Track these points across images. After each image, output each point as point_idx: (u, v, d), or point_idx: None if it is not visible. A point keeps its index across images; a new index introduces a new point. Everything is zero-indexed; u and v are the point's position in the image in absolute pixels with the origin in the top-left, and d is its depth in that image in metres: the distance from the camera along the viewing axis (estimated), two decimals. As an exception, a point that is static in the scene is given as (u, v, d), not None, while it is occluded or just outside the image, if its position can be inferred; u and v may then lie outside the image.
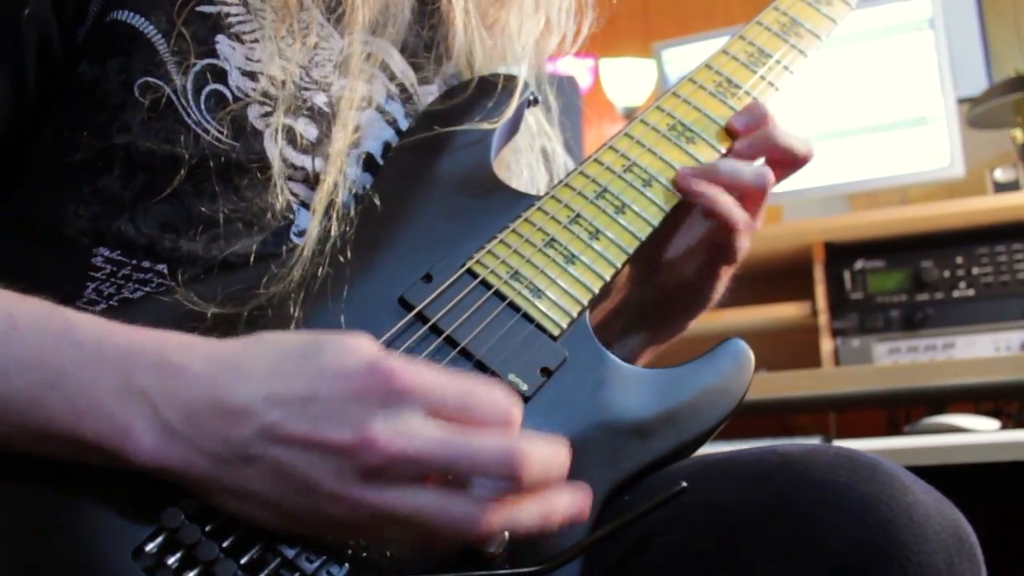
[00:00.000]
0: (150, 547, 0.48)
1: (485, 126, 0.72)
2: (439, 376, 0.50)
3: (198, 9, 0.63)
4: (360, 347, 0.49)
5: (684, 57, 2.20)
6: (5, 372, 0.49)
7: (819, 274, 1.92)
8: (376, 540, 0.51)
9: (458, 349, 0.59)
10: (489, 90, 0.75)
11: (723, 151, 0.72)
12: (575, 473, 0.53)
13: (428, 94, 0.77)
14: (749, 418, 2.09)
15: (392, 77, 0.74)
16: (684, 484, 0.54)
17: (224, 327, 0.56)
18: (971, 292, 1.81)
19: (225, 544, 0.49)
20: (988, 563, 0.55)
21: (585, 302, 0.63)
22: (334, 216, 0.63)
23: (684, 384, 0.62)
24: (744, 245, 0.71)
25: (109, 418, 0.48)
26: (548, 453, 0.49)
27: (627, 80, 2.64)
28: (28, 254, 0.62)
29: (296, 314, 0.58)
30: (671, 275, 0.75)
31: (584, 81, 2.71)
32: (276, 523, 0.49)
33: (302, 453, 0.47)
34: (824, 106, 2.04)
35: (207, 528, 0.49)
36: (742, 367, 0.64)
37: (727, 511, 0.55)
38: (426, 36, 0.77)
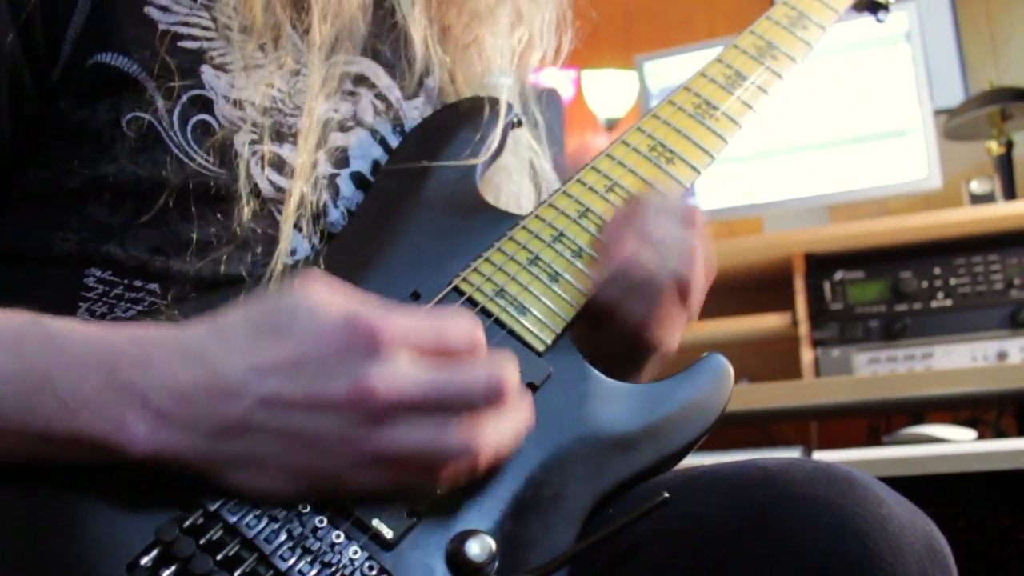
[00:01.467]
0: (144, 560, 0.49)
1: (472, 162, 0.72)
2: (412, 318, 0.52)
3: (180, 44, 0.64)
4: (328, 305, 0.51)
5: (665, 69, 2.22)
6: None
7: (799, 285, 1.94)
8: (381, 488, 0.52)
9: None
10: (474, 118, 0.75)
11: (702, 170, 0.73)
12: (561, 485, 0.56)
13: (414, 107, 0.77)
14: (731, 428, 2.10)
15: (378, 94, 0.74)
16: (666, 495, 0.55)
17: None
18: (949, 302, 1.83)
19: (219, 557, 0.50)
20: (965, 571, 0.57)
21: (569, 319, 0.64)
22: (306, 229, 0.65)
23: (665, 398, 0.63)
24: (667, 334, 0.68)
25: (101, 414, 0.49)
26: (513, 367, 0.53)
27: (609, 92, 2.66)
28: (19, 279, 0.62)
29: None
30: (610, 320, 0.73)
31: (566, 92, 2.73)
32: (285, 489, 0.50)
33: (304, 413, 0.49)
34: (803, 118, 2.06)
35: (201, 541, 0.50)
36: (722, 381, 0.65)
37: (708, 523, 0.56)
38: (388, 51, 0.78)
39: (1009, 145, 2.07)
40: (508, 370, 0.52)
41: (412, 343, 0.51)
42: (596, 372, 0.63)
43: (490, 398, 0.51)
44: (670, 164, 0.73)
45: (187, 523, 0.50)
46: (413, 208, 0.69)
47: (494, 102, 0.76)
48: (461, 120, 0.75)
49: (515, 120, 0.78)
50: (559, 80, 2.66)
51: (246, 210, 0.63)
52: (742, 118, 0.76)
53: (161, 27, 0.63)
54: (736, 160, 2.09)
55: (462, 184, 0.71)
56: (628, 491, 0.60)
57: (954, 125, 2.08)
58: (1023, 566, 1.56)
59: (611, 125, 2.66)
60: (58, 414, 0.49)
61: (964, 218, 1.83)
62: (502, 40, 0.81)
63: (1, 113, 0.61)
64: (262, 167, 0.64)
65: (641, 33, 2.81)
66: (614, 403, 0.62)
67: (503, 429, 0.53)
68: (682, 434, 0.62)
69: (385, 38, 0.77)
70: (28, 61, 0.61)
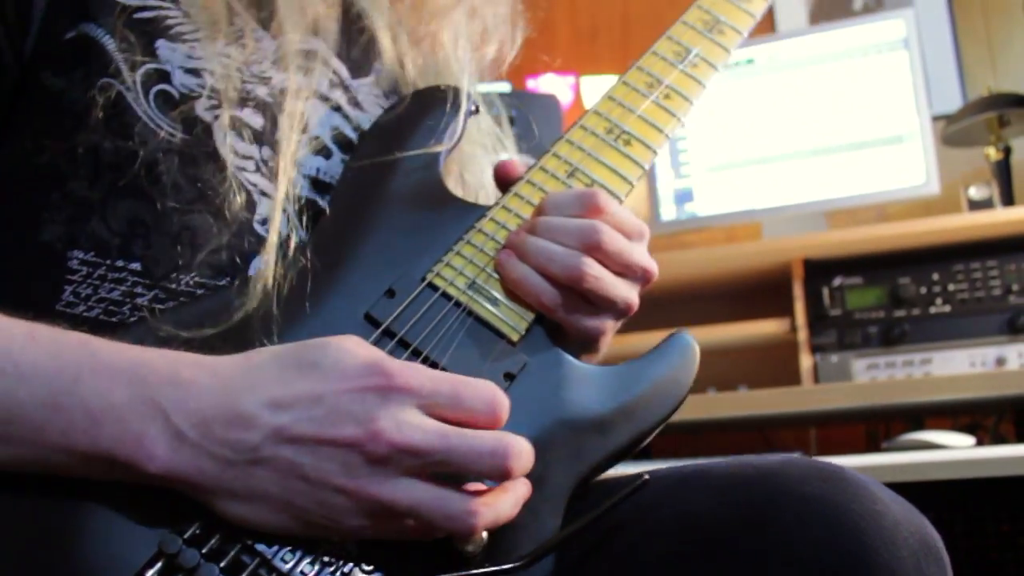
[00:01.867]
0: (150, 573, 0.49)
1: (436, 150, 0.73)
2: (431, 374, 0.53)
3: (136, 16, 0.65)
4: (357, 349, 0.53)
5: (664, 76, 2.22)
6: (25, 377, 0.50)
7: (798, 291, 1.93)
8: (373, 537, 0.52)
9: (423, 359, 0.61)
10: (434, 106, 0.76)
11: (657, 150, 0.74)
12: (543, 470, 0.58)
13: (363, 85, 0.78)
14: (730, 434, 2.10)
15: (332, 70, 0.76)
16: (647, 476, 0.57)
17: (202, 348, 0.57)
18: (947, 308, 1.83)
19: (222, 564, 0.50)
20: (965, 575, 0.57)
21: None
22: (291, 208, 0.66)
23: (637, 378, 0.65)
24: (588, 324, 0.67)
25: (124, 426, 0.50)
26: (528, 447, 0.53)
27: (608, 98, 2.66)
28: (4, 263, 0.62)
29: (263, 334, 0.59)
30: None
31: (565, 98, 2.73)
32: (282, 526, 0.51)
33: (311, 451, 0.50)
34: (802, 125, 2.06)
35: (204, 551, 0.50)
36: (689, 358, 0.67)
37: (703, 521, 0.57)
38: (357, 54, 0.79)
39: (1007, 151, 2.06)
40: (517, 445, 0.52)
41: (427, 395, 0.52)
42: (569, 357, 0.65)
43: (495, 467, 0.52)
44: (627, 146, 0.74)
45: (188, 534, 0.51)
46: (381, 204, 0.70)
47: (454, 90, 0.78)
48: (423, 111, 0.76)
49: (473, 107, 0.79)
50: (558, 86, 2.67)
51: (216, 177, 0.64)
52: (692, 93, 0.78)
53: None
54: (735, 166, 2.09)
55: (427, 176, 0.72)
56: (606, 470, 0.63)
57: (952, 131, 2.08)
58: (1022, 572, 1.56)
59: (610, 132, 2.67)
60: (81, 422, 0.50)
61: (962, 224, 1.83)
62: (461, 38, 0.83)
63: None
64: (224, 132, 0.65)
65: (639, 39, 2.82)
66: (588, 387, 0.63)
67: (503, 502, 0.53)
68: (655, 412, 0.64)
69: (355, 36, 0.78)
70: (3, 28, 0.62)
